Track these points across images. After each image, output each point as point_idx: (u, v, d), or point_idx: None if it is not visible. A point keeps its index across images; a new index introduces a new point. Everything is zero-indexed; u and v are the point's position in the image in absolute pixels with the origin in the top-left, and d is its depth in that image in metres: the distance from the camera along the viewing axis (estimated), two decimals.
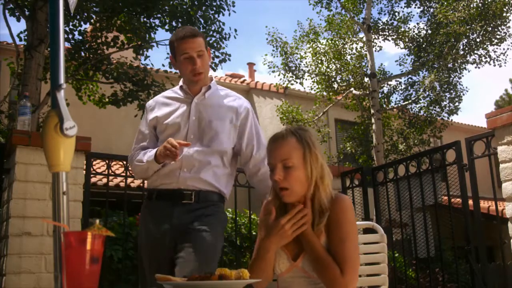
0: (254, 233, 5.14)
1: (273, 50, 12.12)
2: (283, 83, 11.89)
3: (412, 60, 11.44)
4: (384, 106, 11.40)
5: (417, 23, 12.56)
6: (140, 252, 2.22)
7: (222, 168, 2.21)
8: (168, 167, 2.16)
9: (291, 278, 1.69)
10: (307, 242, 1.64)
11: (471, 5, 10.23)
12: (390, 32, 11.70)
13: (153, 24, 7.57)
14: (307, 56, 11.91)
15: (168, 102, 2.32)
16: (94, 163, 3.79)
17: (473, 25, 10.24)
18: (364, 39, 11.05)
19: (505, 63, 11.13)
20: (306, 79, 12.03)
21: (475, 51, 10.86)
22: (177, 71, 2.46)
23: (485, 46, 10.79)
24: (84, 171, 3.59)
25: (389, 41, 11.79)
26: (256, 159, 2.26)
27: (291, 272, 1.68)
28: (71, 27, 7.47)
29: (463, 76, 12.97)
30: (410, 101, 11.42)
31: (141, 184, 4.04)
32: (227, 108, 2.29)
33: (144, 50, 7.71)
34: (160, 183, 2.19)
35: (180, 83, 2.36)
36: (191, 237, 2.04)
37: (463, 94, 11.31)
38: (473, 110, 40.32)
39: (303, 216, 1.65)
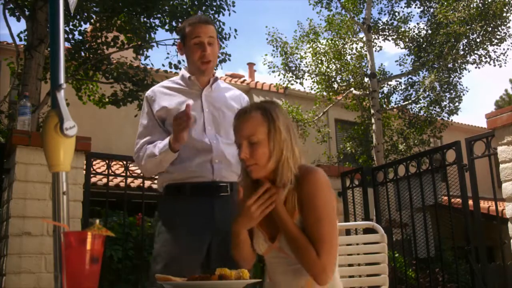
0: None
1: (273, 50, 12.14)
2: (283, 83, 11.89)
3: (412, 60, 11.45)
4: (384, 106, 11.41)
5: (417, 23, 12.57)
6: (163, 246, 2.03)
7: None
8: (197, 160, 2.07)
9: (272, 259, 1.65)
10: (280, 222, 1.57)
11: (471, 5, 10.23)
12: (390, 32, 11.70)
13: (153, 24, 7.57)
14: (307, 56, 11.92)
15: (172, 93, 2.20)
16: (94, 163, 3.79)
17: (473, 25, 10.24)
18: (364, 39, 11.06)
19: (505, 63, 11.15)
20: (306, 79, 12.05)
21: (475, 51, 10.86)
22: (176, 70, 2.39)
23: (485, 46, 10.79)
24: (84, 171, 3.59)
25: (389, 41, 11.80)
26: None
27: (270, 253, 1.64)
28: (71, 27, 7.47)
29: (463, 76, 13.00)
30: (410, 101, 11.43)
31: (141, 184, 4.03)
32: (233, 99, 2.27)
33: (144, 50, 7.71)
34: (190, 176, 2.06)
35: (183, 73, 2.26)
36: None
37: (463, 94, 11.33)
38: (473, 110, 40.35)
39: (271, 195, 1.58)
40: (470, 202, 3.73)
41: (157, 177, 2.25)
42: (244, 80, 15.05)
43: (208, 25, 2.18)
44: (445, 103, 11.30)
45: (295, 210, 1.58)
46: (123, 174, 3.95)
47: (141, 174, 3.77)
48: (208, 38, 2.15)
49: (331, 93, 11.65)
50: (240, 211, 1.60)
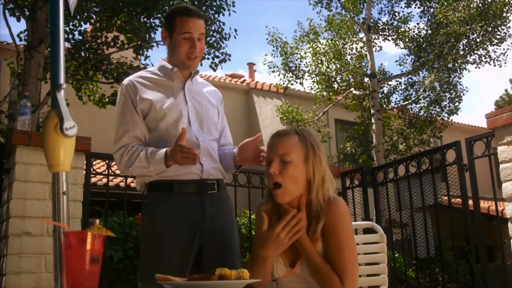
0: (254, 233, 5.14)
1: (273, 50, 12.14)
2: (283, 83, 11.90)
3: (412, 60, 11.45)
4: (384, 106, 11.40)
5: (417, 23, 12.58)
6: (151, 247, 1.97)
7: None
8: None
9: (290, 283, 1.66)
10: (304, 250, 1.59)
11: (471, 5, 10.23)
12: (390, 32, 11.70)
13: (153, 24, 7.57)
14: (307, 56, 11.92)
15: (153, 85, 2.09)
16: (94, 163, 3.79)
17: (473, 25, 10.24)
18: (364, 39, 11.06)
19: (505, 63, 11.15)
20: (306, 79, 12.05)
21: (475, 51, 10.86)
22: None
23: (485, 46, 10.79)
24: (84, 171, 3.59)
25: (389, 41, 11.80)
26: (220, 145, 2.21)
27: (289, 277, 1.65)
28: (71, 27, 7.47)
29: (463, 76, 13.01)
30: (410, 101, 11.43)
31: None
32: (211, 93, 2.23)
33: (144, 50, 7.71)
34: (177, 173, 1.98)
35: (163, 63, 2.15)
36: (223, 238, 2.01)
37: (463, 94, 11.33)
38: (473, 110, 40.35)
39: (298, 222, 1.59)
40: (470, 202, 3.74)
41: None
42: (244, 80, 15.04)
43: (200, 19, 2.09)
44: (445, 103, 11.30)
45: (318, 239, 1.60)
46: (123, 174, 3.94)
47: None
48: (199, 34, 2.07)
49: (331, 93, 11.65)
50: (268, 238, 1.60)
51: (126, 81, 2.12)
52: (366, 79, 11.36)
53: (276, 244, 1.59)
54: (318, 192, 1.62)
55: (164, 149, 1.94)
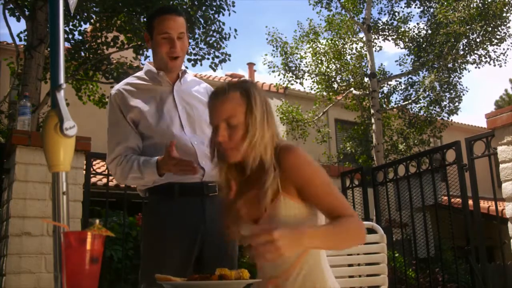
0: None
1: (273, 50, 12.15)
2: (283, 83, 11.90)
3: (412, 60, 11.46)
4: (384, 106, 11.41)
5: (417, 23, 12.58)
6: (152, 248, 1.97)
7: None
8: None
9: None
10: (315, 244, 1.42)
11: (471, 5, 10.24)
12: (390, 32, 11.71)
13: None
14: (307, 56, 11.93)
15: (139, 91, 2.05)
16: (94, 163, 3.79)
17: (473, 25, 10.25)
18: (364, 39, 11.06)
19: (505, 63, 11.16)
20: (306, 79, 12.05)
21: (475, 51, 10.87)
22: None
23: (485, 46, 10.80)
24: (84, 171, 3.59)
25: (389, 41, 11.81)
26: None
27: None
28: (71, 27, 7.47)
29: (463, 76, 13.02)
30: (410, 101, 11.43)
31: None
32: (202, 92, 2.19)
33: (144, 50, 7.71)
34: (179, 177, 1.95)
35: (149, 67, 2.12)
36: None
37: (463, 94, 11.34)
38: (473, 110, 40.37)
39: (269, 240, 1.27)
40: (470, 202, 3.74)
41: None
42: None
43: (178, 17, 2.04)
44: (445, 103, 11.32)
45: (279, 192, 1.47)
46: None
47: None
48: (178, 33, 2.01)
49: (331, 93, 11.66)
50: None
51: (113, 90, 2.09)
52: (366, 79, 11.37)
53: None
54: (256, 146, 1.48)
55: (155, 158, 1.91)
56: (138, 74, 2.16)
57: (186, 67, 2.18)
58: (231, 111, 1.49)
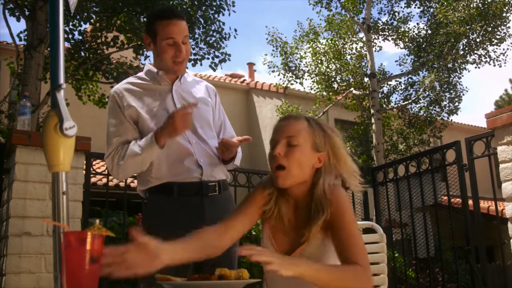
0: (254, 233, 5.14)
1: (273, 50, 12.15)
2: (283, 83, 11.90)
3: (412, 60, 11.46)
4: (384, 106, 11.41)
5: (417, 23, 12.55)
6: None
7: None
8: (183, 160, 1.97)
9: (279, 277, 1.43)
10: (307, 277, 1.31)
11: (471, 5, 10.24)
12: (390, 32, 11.71)
13: None
14: (307, 56, 11.92)
15: (140, 90, 2.06)
16: (94, 163, 3.78)
17: (473, 25, 10.25)
18: (364, 39, 11.06)
19: (505, 63, 11.17)
20: (306, 79, 12.05)
21: (475, 51, 10.87)
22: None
23: (485, 46, 10.80)
24: (84, 171, 3.59)
25: (389, 41, 11.81)
26: (221, 140, 2.11)
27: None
28: (71, 27, 7.47)
29: (463, 76, 13.03)
30: (410, 101, 11.43)
31: None
32: (202, 90, 2.18)
33: (144, 50, 7.71)
34: (177, 177, 1.96)
35: (149, 67, 2.12)
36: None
37: (463, 94, 11.34)
38: (473, 110, 40.37)
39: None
40: (470, 202, 3.74)
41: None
42: (244, 80, 15.05)
43: (181, 21, 2.01)
44: (445, 103, 11.31)
45: (318, 231, 1.48)
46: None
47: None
48: (183, 38, 2.00)
49: (331, 93, 11.66)
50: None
51: (113, 89, 2.09)
52: (366, 79, 11.37)
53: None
54: (326, 177, 1.53)
55: (151, 133, 1.91)
56: (139, 74, 2.17)
57: (186, 67, 2.17)
58: (295, 131, 1.53)
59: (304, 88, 12.41)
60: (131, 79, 2.15)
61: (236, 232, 1.57)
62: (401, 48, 11.74)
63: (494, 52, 11.03)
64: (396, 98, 11.99)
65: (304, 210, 1.54)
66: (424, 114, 11.46)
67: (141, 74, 2.16)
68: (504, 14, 10.42)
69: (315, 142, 1.53)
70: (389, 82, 11.85)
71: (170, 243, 1.35)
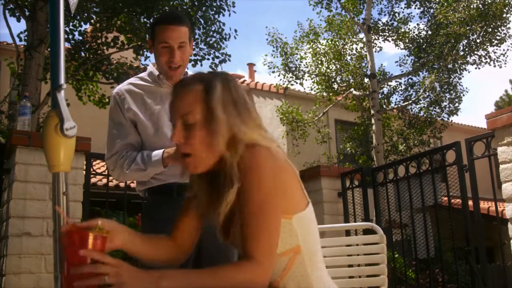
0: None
1: (273, 51, 12.14)
2: (283, 84, 11.90)
3: (412, 61, 11.46)
4: (384, 106, 11.41)
5: (417, 24, 12.58)
6: None
7: None
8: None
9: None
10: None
11: (471, 6, 10.24)
12: (390, 32, 11.71)
13: None
14: (307, 57, 11.92)
15: (140, 92, 2.07)
16: (94, 163, 3.79)
17: (473, 26, 10.25)
18: (364, 39, 11.06)
19: (505, 64, 11.16)
20: (306, 80, 12.05)
21: (475, 52, 10.87)
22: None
23: (485, 47, 10.80)
24: (84, 172, 3.59)
25: (389, 41, 11.81)
26: None
27: None
28: (71, 27, 7.48)
29: (463, 76, 13.01)
30: (410, 101, 11.43)
31: None
32: None
33: (144, 50, 7.72)
34: (177, 178, 1.93)
35: (152, 69, 2.12)
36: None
37: (463, 95, 11.33)
38: (473, 111, 40.36)
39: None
40: (470, 202, 3.74)
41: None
42: (244, 80, 15.05)
43: (179, 26, 1.99)
44: (445, 103, 11.31)
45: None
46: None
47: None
48: (179, 43, 1.98)
49: (331, 94, 11.66)
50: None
51: (115, 90, 2.12)
52: (366, 80, 11.37)
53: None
54: (232, 152, 1.24)
55: (162, 150, 1.93)
56: (141, 75, 2.17)
57: (186, 70, 2.17)
58: (188, 106, 1.26)
59: (304, 89, 12.41)
60: (133, 80, 2.16)
61: (191, 230, 1.46)
62: (401, 49, 11.74)
63: (494, 52, 11.04)
64: (396, 99, 12.00)
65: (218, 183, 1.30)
66: (424, 115, 11.46)
67: (143, 74, 2.16)
68: (504, 15, 10.42)
69: (221, 107, 1.25)
70: (389, 83, 11.85)
71: (128, 230, 1.31)
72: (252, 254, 1.16)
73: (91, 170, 3.73)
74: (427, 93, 11.12)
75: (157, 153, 1.94)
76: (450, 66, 10.93)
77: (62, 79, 1.07)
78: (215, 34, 7.73)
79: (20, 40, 7.49)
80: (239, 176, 1.21)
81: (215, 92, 1.26)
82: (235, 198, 1.23)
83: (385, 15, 12.17)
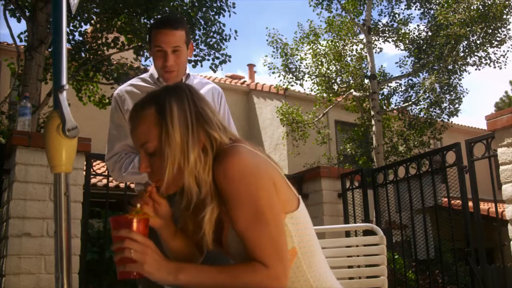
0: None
1: (273, 52, 12.14)
2: (283, 85, 11.90)
3: (412, 62, 11.46)
4: (384, 107, 11.41)
5: (418, 25, 12.59)
6: None
7: None
8: None
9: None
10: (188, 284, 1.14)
11: (472, 7, 10.25)
12: (390, 33, 11.72)
13: None
14: (307, 58, 11.92)
15: (141, 93, 2.07)
16: (94, 164, 3.79)
17: (473, 27, 10.25)
18: (364, 40, 11.07)
19: (505, 65, 11.16)
20: (306, 81, 12.02)
21: (475, 53, 10.87)
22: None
23: (485, 48, 10.80)
24: (84, 172, 3.59)
25: (389, 42, 11.81)
26: None
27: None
28: (71, 28, 7.48)
29: (463, 78, 13.03)
30: (410, 102, 11.43)
31: None
32: (207, 92, 2.19)
33: (145, 51, 7.72)
34: None
35: (152, 71, 2.14)
36: None
37: (463, 96, 11.33)
38: (473, 112, 40.37)
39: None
40: (470, 203, 3.74)
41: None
42: (244, 81, 15.05)
43: (174, 30, 1.97)
44: (445, 104, 11.31)
45: (226, 220, 1.22)
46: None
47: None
48: (173, 47, 1.97)
49: (331, 95, 11.66)
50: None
51: (116, 91, 2.15)
52: (366, 81, 11.38)
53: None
54: (189, 176, 1.18)
55: None
56: (143, 76, 2.19)
57: (186, 71, 2.17)
58: (145, 135, 1.20)
59: (304, 90, 12.41)
60: (134, 81, 2.17)
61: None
62: (402, 50, 11.75)
63: (495, 54, 11.04)
64: (396, 100, 12.01)
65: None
66: (424, 116, 11.46)
67: (145, 75, 2.18)
68: (505, 16, 10.43)
69: (178, 127, 1.18)
70: (389, 84, 11.85)
71: (170, 216, 1.31)
72: (262, 260, 1.13)
73: (91, 170, 3.73)
74: (427, 94, 11.12)
75: None
76: (450, 67, 10.93)
77: (64, 80, 1.07)
78: (215, 35, 7.74)
79: (21, 41, 7.51)
80: (221, 184, 1.16)
81: (168, 112, 1.20)
82: (219, 209, 1.20)
83: (385, 16, 12.18)
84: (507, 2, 10.23)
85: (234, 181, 1.13)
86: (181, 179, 1.20)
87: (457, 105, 11.35)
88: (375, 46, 11.57)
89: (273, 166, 1.25)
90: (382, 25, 11.74)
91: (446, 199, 4.00)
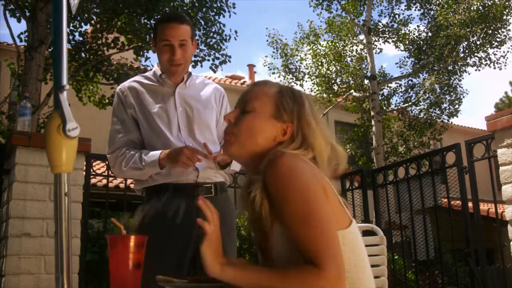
0: (254, 234, 5.14)
1: (273, 52, 12.15)
2: None
3: (412, 63, 11.47)
4: (384, 108, 11.42)
5: (418, 26, 12.60)
6: (147, 250, 2.02)
7: None
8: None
9: None
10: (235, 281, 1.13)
11: (472, 8, 10.26)
12: (390, 34, 11.73)
13: (153, 26, 7.58)
14: (307, 58, 11.94)
15: (143, 90, 2.10)
16: (94, 164, 3.79)
17: (473, 28, 10.26)
18: (364, 41, 11.07)
19: (505, 65, 11.17)
20: (306, 81, 12.05)
21: (475, 54, 10.89)
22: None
23: (485, 48, 10.82)
24: (84, 172, 3.59)
25: (389, 43, 11.82)
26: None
27: None
28: (71, 28, 7.48)
29: (463, 78, 13.02)
30: (410, 103, 11.44)
31: None
32: (209, 95, 2.19)
33: (145, 51, 7.72)
34: (173, 178, 1.99)
35: (155, 69, 2.15)
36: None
37: (463, 97, 11.36)
38: (473, 113, 40.39)
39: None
40: (470, 204, 3.74)
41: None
42: (244, 81, 15.06)
43: (180, 25, 2.03)
44: (445, 105, 11.33)
45: (273, 218, 1.20)
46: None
47: None
48: (179, 41, 2.01)
49: (331, 95, 11.67)
50: None
51: (119, 86, 2.15)
52: (366, 81, 11.39)
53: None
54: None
55: (159, 151, 1.96)
56: (147, 74, 2.20)
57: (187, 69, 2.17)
58: (253, 97, 1.31)
59: (304, 90, 12.43)
60: (137, 77, 2.18)
61: None
62: (402, 51, 11.76)
63: (495, 54, 11.06)
64: (396, 100, 12.03)
65: None
66: (424, 116, 11.47)
67: (149, 73, 2.19)
68: (505, 17, 10.44)
69: (278, 110, 1.27)
70: (389, 84, 11.87)
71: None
72: (318, 262, 1.07)
73: (91, 170, 3.73)
74: (427, 95, 11.13)
75: (154, 154, 1.96)
76: (450, 68, 10.94)
77: (65, 80, 1.07)
78: (215, 35, 7.74)
79: (21, 41, 7.50)
80: (271, 183, 1.16)
81: (288, 97, 1.29)
82: (269, 210, 1.19)
83: (385, 16, 12.18)
84: (507, 3, 10.24)
85: (284, 177, 1.14)
86: (253, 147, 1.26)
87: (457, 106, 11.37)
88: (375, 46, 11.58)
89: (323, 175, 1.22)
90: (382, 26, 11.75)
91: (446, 200, 4.00)
